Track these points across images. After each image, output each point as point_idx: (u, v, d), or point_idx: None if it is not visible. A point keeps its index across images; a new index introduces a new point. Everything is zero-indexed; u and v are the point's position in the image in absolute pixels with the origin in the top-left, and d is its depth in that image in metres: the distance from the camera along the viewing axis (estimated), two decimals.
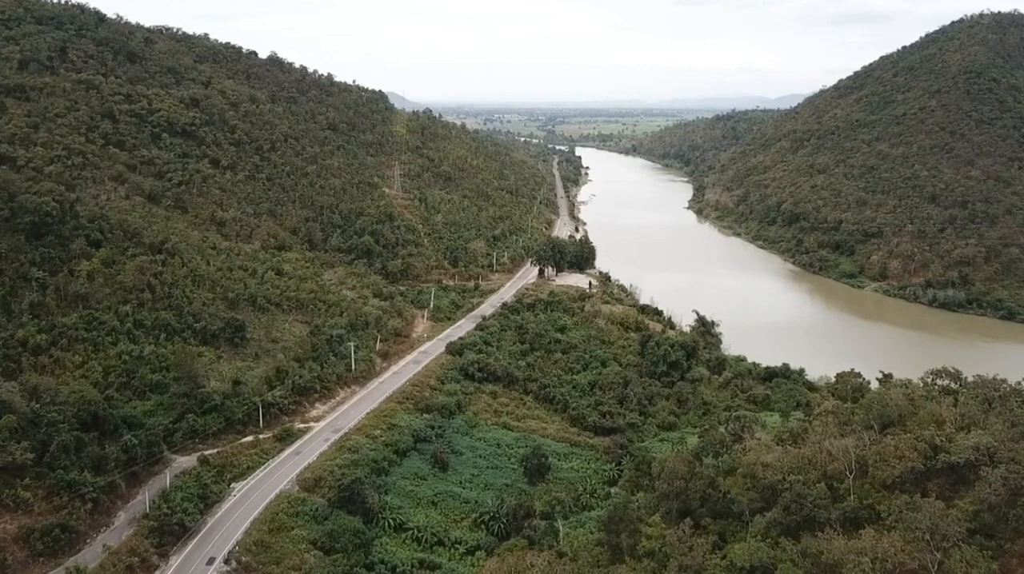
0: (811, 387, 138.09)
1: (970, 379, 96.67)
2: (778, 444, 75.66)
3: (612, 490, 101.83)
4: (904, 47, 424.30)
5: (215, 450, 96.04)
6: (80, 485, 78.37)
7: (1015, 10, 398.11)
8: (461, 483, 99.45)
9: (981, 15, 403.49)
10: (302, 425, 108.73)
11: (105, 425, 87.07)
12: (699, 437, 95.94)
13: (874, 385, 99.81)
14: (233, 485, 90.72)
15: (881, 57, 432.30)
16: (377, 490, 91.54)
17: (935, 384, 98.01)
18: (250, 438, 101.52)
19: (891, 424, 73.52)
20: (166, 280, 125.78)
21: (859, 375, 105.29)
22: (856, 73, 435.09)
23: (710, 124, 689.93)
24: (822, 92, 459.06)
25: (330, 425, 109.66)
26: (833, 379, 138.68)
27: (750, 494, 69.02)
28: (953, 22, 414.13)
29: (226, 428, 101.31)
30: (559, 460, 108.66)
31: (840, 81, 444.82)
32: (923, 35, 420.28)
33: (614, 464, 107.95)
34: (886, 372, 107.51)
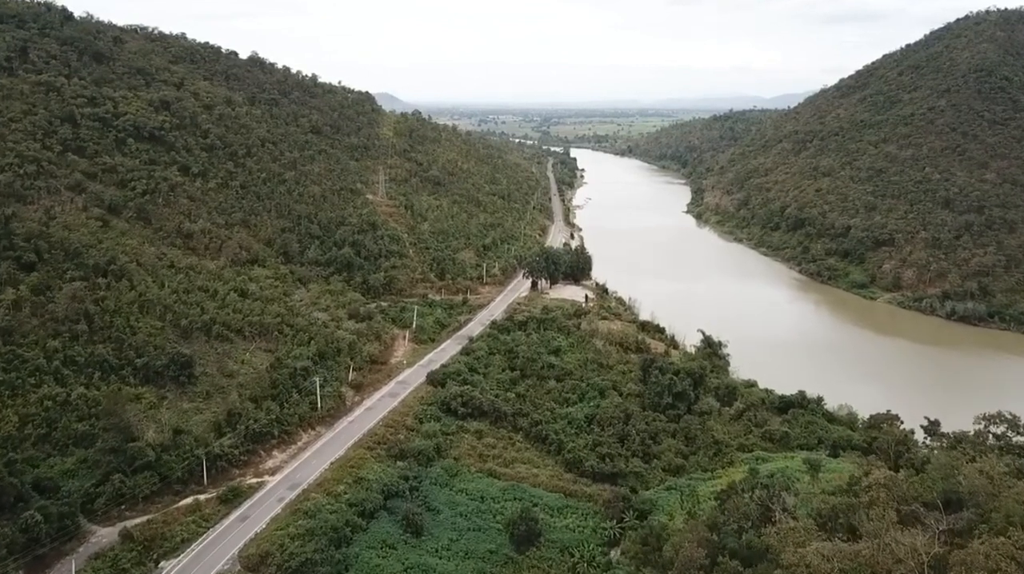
0: (831, 419, 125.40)
1: None
2: (819, 526, 61.63)
3: (612, 555, 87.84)
4: (908, 45, 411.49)
5: (144, 518, 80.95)
6: None
7: (1022, 7, 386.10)
8: (437, 551, 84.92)
9: (987, 12, 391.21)
10: (255, 480, 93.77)
11: (3, 498, 72.39)
12: (716, 499, 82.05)
13: (919, 434, 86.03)
14: (162, 564, 75.79)
15: (884, 55, 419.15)
16: (335, 567, 77.01)
17: (988, 431, 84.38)
18: (190, 500, 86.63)
19: (959, 503, 59.76)
20: (108, 307, 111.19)
21: (897, 419, 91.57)
22: (858, 72, 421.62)
23: (707, 124, 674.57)
24: (823, 92, 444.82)
25: (287, 479, 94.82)
26: (853, 409, 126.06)
27: None
28: (959, 19, 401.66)
29: (161, 489, 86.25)
30: (551, 516, 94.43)
31: (841, 80, 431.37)
32: (927, 33, 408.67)
33: (615, 521, 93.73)
34: (932, 418, 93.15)
